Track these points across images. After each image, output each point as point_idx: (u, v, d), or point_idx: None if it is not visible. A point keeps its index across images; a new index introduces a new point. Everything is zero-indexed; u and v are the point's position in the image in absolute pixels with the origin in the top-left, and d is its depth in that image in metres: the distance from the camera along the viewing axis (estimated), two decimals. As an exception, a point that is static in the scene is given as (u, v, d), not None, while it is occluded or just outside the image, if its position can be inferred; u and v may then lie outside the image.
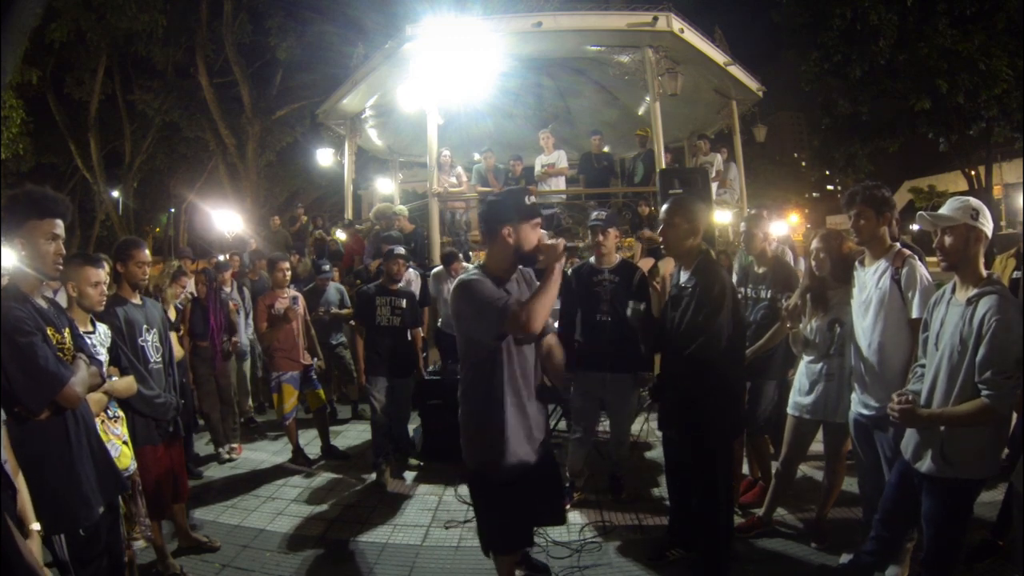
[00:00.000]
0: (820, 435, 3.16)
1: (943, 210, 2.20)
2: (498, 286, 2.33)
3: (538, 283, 2.34)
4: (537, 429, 2.43)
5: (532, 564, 3.01)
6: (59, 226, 1.97)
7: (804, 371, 3.12)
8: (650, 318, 3.24)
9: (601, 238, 3.68)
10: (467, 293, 2.28)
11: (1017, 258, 3.61)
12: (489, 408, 2.32)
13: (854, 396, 2.80)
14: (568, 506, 3.74)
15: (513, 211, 2.34)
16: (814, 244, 3.02)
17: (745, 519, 3.41)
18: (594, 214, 3.84)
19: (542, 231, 2.42)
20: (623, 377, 3.70)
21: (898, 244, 2.71)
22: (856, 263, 2.83)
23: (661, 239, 2.87)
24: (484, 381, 2.33)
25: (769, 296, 3.45)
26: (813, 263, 3.00)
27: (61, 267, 2.02)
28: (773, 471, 3.45)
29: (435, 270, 5.95)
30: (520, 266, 2.46)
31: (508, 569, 2.58)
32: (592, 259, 3.82)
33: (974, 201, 2.15)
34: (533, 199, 2.41)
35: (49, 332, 1.95)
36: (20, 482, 1.74)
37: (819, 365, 3.02)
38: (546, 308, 2.24)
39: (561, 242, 2.34)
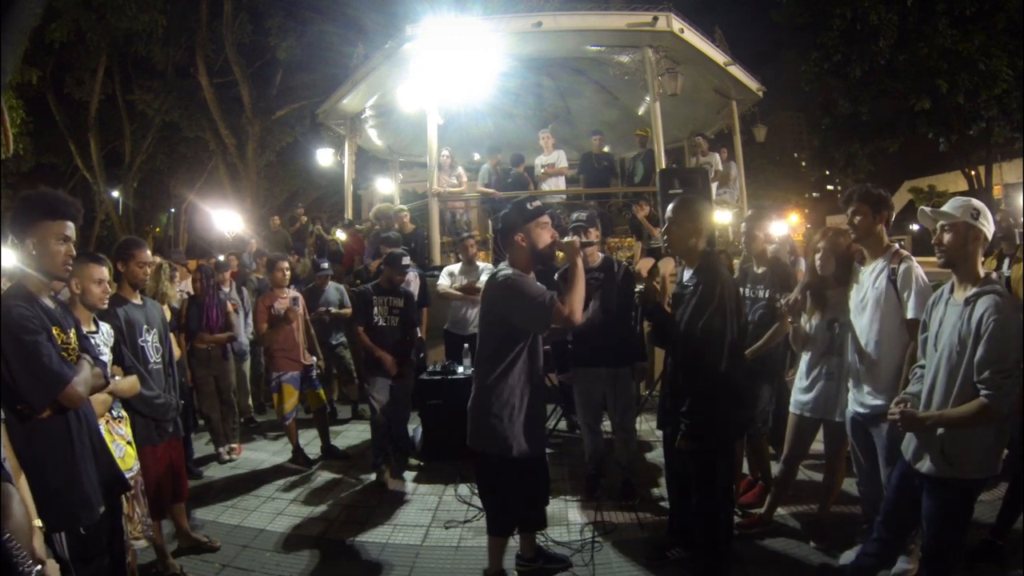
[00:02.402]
0: (820, 434, 3.17)
1: (945, 207, 2.22)
2: None
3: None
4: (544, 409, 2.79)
5: (549, 556, 3.10)
6: (70, 228, 2.00)
7: (804, 369, 3.14)
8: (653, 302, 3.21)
9: (584, 238, 3.71)
10: (517, 288, 2.54)
11: (998, 259, 3.68)
12: (523, 392, 2.61)
13: (851, 394, 2.82)
14: (600, 494, 3.88)
15: (519, 217, 2.63)
16: (819, 242, 3.01)
17: (745, 519, 3.41)
18: (575, 215, 3.92)
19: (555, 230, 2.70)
20: (620, 370, 3.82)
21: (896, 244, 2.73)
22: (855, 262, 2.85)
23: (664, 238, 2.89)
24: (519, 369, 2.61)
25: (767, 296, 3.45)
26: (817, 260, 2.99)
27: (71, 268, 2.04)
28: (773, 471, 3.45)
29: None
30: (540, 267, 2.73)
31: (500, 550, 2.82)
32: None
33: (976, 202, 2.17)
34: (536, 202, 2.69)
35: (55, 332, 1.96)
36: (22, 482, 1.75)
37: (818, 363, 3.04)
38: (581, 300, 2.54)
39: (576, 239, 2.67)
